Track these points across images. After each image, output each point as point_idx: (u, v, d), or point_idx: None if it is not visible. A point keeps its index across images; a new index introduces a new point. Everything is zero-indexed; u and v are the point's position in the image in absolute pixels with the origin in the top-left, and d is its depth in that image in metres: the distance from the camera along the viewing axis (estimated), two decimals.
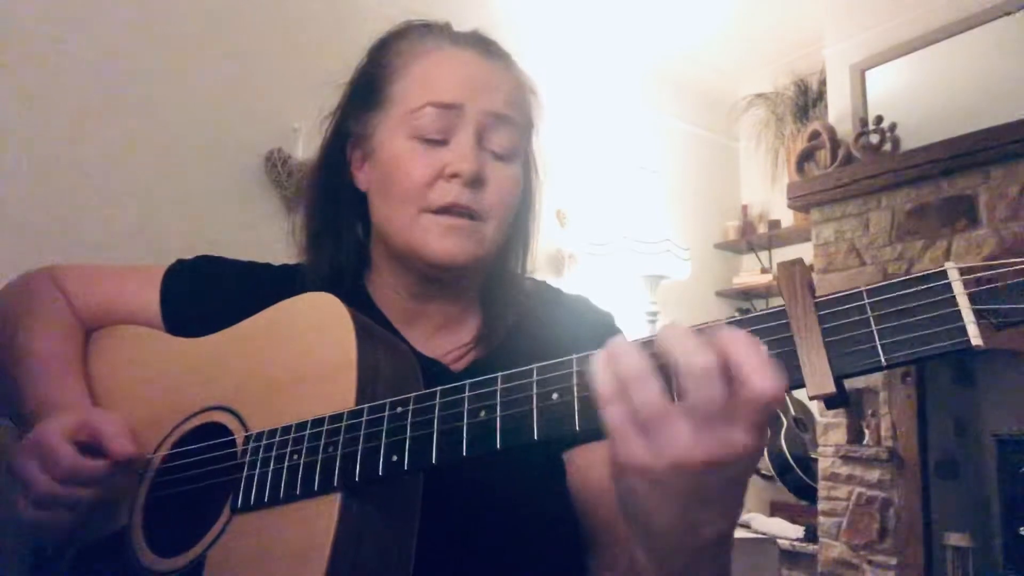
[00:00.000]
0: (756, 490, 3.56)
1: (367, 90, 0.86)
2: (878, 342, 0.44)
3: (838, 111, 3.18)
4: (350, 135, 0.87)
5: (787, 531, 3.10)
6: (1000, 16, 2.71)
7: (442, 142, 0.79)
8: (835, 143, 3.04)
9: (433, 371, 0.77)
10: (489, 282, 0.89)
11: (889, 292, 0.44)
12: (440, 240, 0.78)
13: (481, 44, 0.85)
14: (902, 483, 2.70)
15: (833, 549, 2.84)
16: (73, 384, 0.82)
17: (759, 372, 0.45)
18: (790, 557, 3.07)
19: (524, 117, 0.86)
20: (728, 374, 0.46)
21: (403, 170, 0.79)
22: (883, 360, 0.43)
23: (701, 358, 0.46)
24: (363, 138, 0.85)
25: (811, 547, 2.97)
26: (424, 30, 0.86)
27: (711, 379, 0.45)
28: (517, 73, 0.87)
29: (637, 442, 0.47)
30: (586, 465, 0.77)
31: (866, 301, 0.45)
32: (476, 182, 0.78)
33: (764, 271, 3.87)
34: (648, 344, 0.50)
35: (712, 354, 0.46)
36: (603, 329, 0.90)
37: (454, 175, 0.78)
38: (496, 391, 0.54)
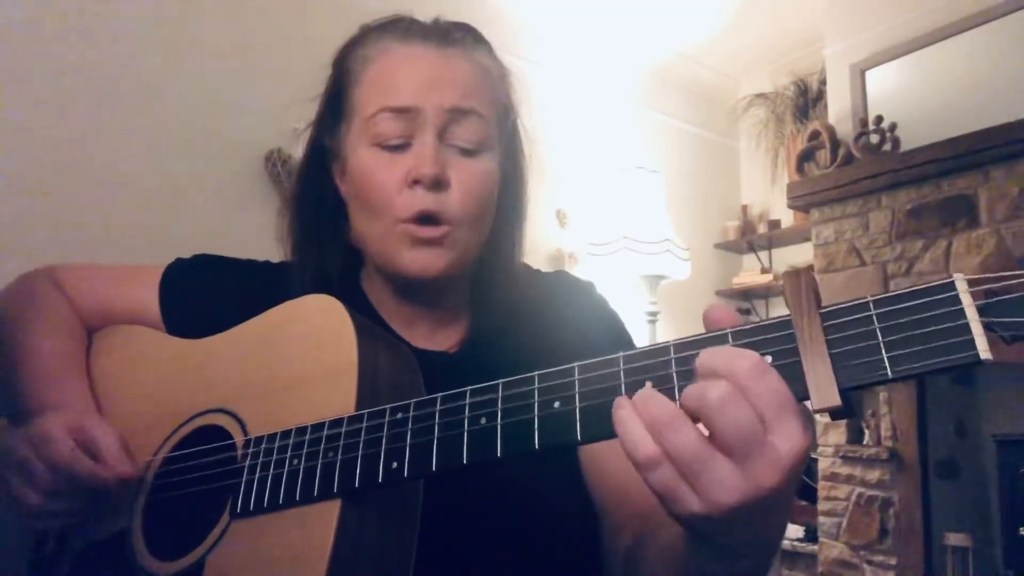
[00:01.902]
0: None
1: (334, 101, 0.84)
2: (885, 355, 0.43)
3: (838, 111, 3.18)
4: (328, 150, 0.85)
5: (787, 531, 3.10)
6: (1000, 16, 2.71)
7: (404, 147, 0.77)
8: (835, 143, 3.04)
9: (430, 358, 0.78)
10: (479, 274, 0.88)
11: (896, 303, 0.43)
12: (409, 254, 0.77)
13: (436, 35, 0.81)
14: (902, 483, 2.70)
15: (833, 549, 2.84)
16: (75, 384, 0.82)
17: (764, 378, 0.43)
18: (790, 557, 3.07)
19: (489, 105, 0.82)
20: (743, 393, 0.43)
21: (370, 181, 0.78)
22: (890, 373, 0.42)
23: (715, 388, 0.43)
24: (336, 151, 0.84)
25: (811, 547, 2.97)
26: (379, 32, 0.83)
27: (734, 405, 0.43)
28: (479, 59, 0.83)
29: (689, 496, 0.44)
30: (599, 452, 0.77)
31: (872, 312, 0.44)
32: (439, 185, 0.76)
33: (764, 271, 3.87)
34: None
35: (721, 383, 0.43)
36: (586, 300, 0.91)
37: (416, 181, 0.75)
38: (497, 399, 0.54)
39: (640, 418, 0.45)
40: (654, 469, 0.45)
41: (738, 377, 0.43)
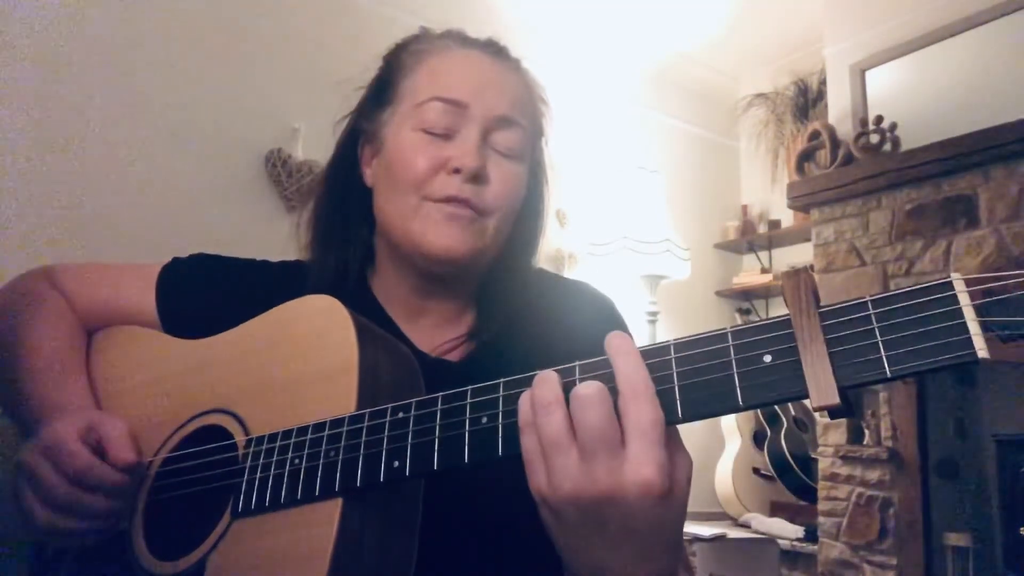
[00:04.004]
0: (756, 490, 3.56)
1: (379, 89, 0.87)
2: (883, 353, 0.43)
3: (838, 111, 3.17)
4: (362, 133, 0.88)
5: (787, 531, 3.10)
6: (1000, 16, 2.71)
7: (447, 136, 0.80)
8: (835, 143, 3.03)
9: (434, 367, 0.78)
10: (489, 280, 0.89)
11: (894, 303, 0.44)
12: (440, 231, 0.78)
13: (492, 48, 0.86)
14: (902, 483, 2.69)
15: (833, 549, 2.84)
16: (76, 384, 0.82)
17: (635, 401, 0.47)
18: (790, 557, 3.07)
19: (531, 121, 0.86)
20: (610, 406, 0.48)
21: (407, 160, 0.80)
22: (888, 372, 0.42)
23: (584, 387, 0.48)
24: (373, 134, 0.86)
25: (811, 547, 2.96)
26: (439, 34, 0.88)
27: (591, 407, 0.47)
28: (527, 78, 0.88)
29: (541, 471, 0.50)
30: None
31: (871, 312, 0.44)
32: (478, 178, 0.79)
33: (764, 271, 3.86)
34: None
35: (595, 384, 0.48)
36: (602, 315, 0.91)
37: (456, 170, 0.78)
38: (498, 398, 0.54)
39: (529, 395, 0.52)
40: (524, 434, 0.51)
41: (626, 390, 0.48)
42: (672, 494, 0.48)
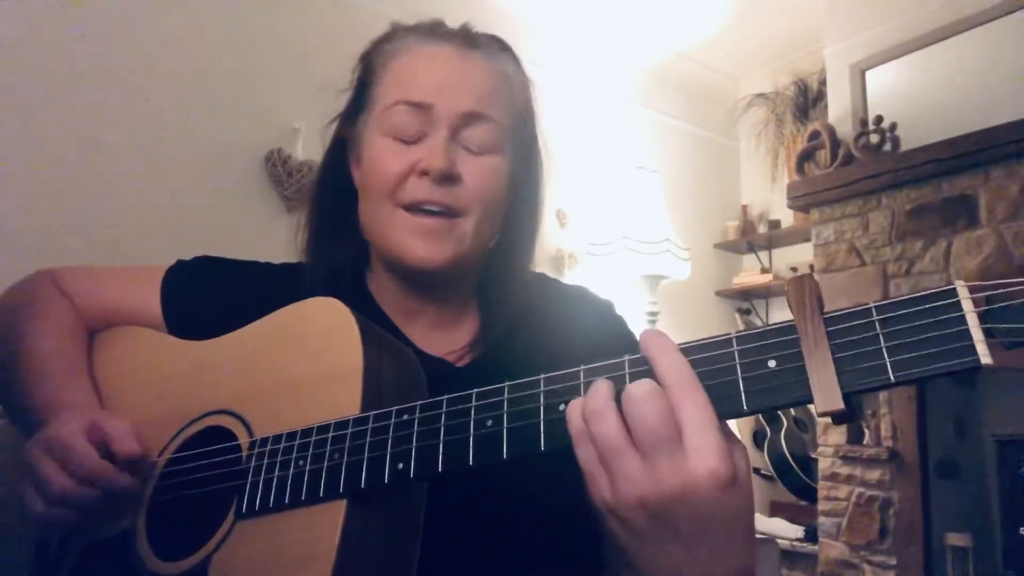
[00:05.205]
0: (756, 490, 3.56)
1: (358, 93, 0.87)
2: (887, 359, 0.43)
3: (838, 111, 3.17)
4: (347, 138, 0.88)
5: (787, 531, 3.10)
6: (1000, 16, 2.71)
7: (417, 140, 0.80)
8: (835, 143, 3.04)
9: (437, 369, 0.78)
10: (487, 277, 0.89)
11: (898, 309, 0.44)
12: (416, 244, 0.78)
13: (461, 38, 0.84)
14: (902, 483, 2.70)
15: (833, 549, 2.84)
16: (79, 385, 0.82)
17: (687, 393, 0.47)
18: (790, 557, 3.07)
19: (503, 111, 0.84)
20: (667, 401, 0.47)
21: (378, 167, 0.80)
22: (892, 377, 0.43)
23: (636, 385, 0.48)
24: (354, 139, 0.86)
25: (811, 547, 2.97)
26: (408, 30, 0.86)
27: (647, 403, 0.47)
28: (499, 65, 0.85)
29: (602, 480, 0.49)
30: None
31: (875, 318, 0.44)
32: (448, 179, 0.78)
33: (764, 271, 3.87)
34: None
35: (647, 382, 0.48)
36: (604, 319, 0.91)
37: (424, 172, 0.78)
38: (503, 400, 0.54)
39: (582, 402, 0.50)
40: (579, 445, 0.50)
41: (675, 383, 0.47)
42: (737, 481, 0.47)
